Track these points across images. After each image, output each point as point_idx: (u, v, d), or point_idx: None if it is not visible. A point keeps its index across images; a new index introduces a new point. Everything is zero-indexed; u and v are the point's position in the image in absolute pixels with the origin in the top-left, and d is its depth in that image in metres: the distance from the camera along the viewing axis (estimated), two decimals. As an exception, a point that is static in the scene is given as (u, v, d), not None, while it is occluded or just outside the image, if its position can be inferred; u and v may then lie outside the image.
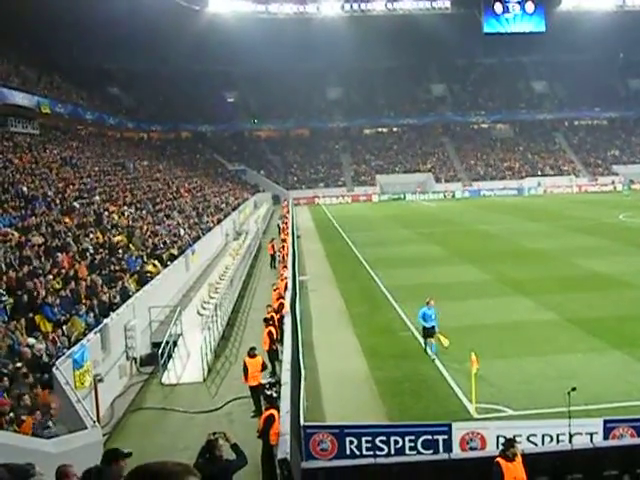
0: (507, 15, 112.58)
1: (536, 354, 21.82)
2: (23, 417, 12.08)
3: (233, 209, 64.82)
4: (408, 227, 60.39)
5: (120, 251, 28.86)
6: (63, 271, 22.48)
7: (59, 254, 23.96)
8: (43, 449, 11.19)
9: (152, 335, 24.55)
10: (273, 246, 43.22)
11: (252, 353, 18.47)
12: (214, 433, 10.64)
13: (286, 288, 27.40)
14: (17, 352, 15.22)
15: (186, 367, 22.63)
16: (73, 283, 21.43)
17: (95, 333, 18.71)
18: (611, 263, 37.27)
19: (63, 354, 16.11)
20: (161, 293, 27.27)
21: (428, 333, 22.43)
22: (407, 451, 13.94)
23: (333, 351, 23.64)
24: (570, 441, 13.49)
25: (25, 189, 33.03)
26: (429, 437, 14.03)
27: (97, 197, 39.18)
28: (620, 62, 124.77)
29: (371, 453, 13.68)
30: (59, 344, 17.01)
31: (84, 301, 20.51)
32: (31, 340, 16.17)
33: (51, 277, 21.13)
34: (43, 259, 23.03)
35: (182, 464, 2.45)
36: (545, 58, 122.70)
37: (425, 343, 22.69)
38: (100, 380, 17.73)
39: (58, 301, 19.39)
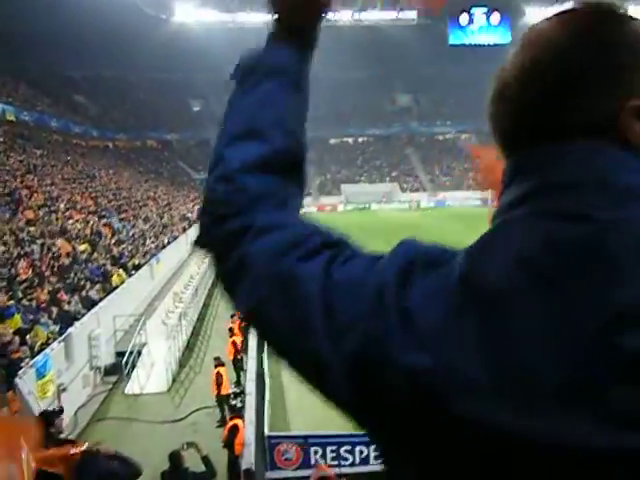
0: (472, 27, 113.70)
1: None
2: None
3: (199, 217, 64.42)
4: (373, 236, 60.32)
5: (84, 259, 28.68)
6: (26, 280, 22.30)
7: (22, 262, 23.75)
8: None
9: (116, 344, 24.39)
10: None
11: (222, 362, 18.44)
12: (187, 443, 10.44)
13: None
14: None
15: (150, 377, 22.48)
16: (36, 292, 21.27)
17: (59, 342, 18.57)
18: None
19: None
20: (126, 302, 27.08)
21: None
22: (372, 461, 14.00)
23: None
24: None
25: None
26: (394, 446, 14.09)
27: (61, 205, 38.86)
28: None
29: (336, 463, 13.71)
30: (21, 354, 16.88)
31: (48, 309, 20.36)
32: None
33: (14, 286, 20.95)
34: (5, 268, 22.81)
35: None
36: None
37: None
38: (63, 390, 17.61)
39: (22, 310, 19.24)
